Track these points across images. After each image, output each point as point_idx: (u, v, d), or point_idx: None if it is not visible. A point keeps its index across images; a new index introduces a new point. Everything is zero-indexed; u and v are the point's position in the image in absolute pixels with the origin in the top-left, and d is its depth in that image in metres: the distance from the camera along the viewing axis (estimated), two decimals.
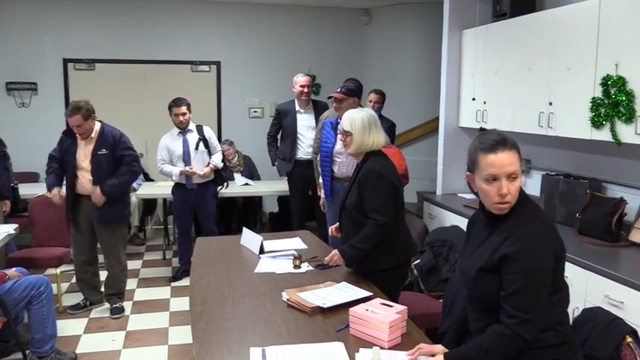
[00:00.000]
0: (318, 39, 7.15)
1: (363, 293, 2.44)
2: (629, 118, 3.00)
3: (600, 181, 3.61)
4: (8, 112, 6.44)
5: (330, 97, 4.16)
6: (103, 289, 4.41)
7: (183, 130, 4.87)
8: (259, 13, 6.98)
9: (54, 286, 3.80)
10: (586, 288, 2.83)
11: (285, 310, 2.34)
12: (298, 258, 2.95)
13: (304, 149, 5.01)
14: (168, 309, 4.41)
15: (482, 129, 1.85)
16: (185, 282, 4.81)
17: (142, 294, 4.74)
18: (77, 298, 4.43)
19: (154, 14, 6.72)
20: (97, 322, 4.14)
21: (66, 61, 6.59)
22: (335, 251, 2.83)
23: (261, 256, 3.14)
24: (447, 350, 1.85)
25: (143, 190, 5.74)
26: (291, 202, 5.27)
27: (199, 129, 4.96)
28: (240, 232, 3.50)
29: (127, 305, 4.41)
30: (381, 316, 2.05)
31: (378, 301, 2.24)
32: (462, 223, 3.95)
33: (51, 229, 4.60)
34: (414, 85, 6.79)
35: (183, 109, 4.78)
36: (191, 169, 4.83)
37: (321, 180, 4.26)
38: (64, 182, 4.17)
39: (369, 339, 2.03)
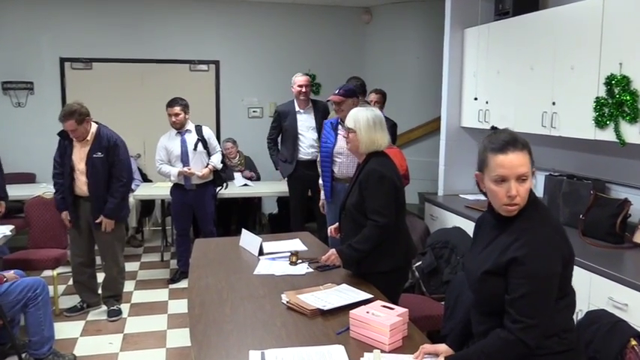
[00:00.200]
0: (318, 38, 7.12)
1: (364, 295, 2.42)
2: (634, 118, 2.98)
3: (604, 182, 3.59)
4: (4, 111, 6.39)
5: (329, 101, 4.13)
6: (100, 292, 4.38)
7: (180, 130, 4.83)
8: (258, 11, 6.94)
9: (50, 288, 3.77)
10: (590, 290, 2.81)
11: (284, 313, 2.32)
12: (295, 255, 2.95)
13: (304, 149, 4.98)
14: (167, 311, 4.38)
15: (493, 127, 1.80)
16: (183, 284, 4.78)
17: (140, 296, 4.71)
18: (74, 300, 4.40)
19: (152, 13, 6.68)
20: (94, 325, 4.11)
21: (63, 61, 6.54)
22: (332, 250, 2.82)
23: (260, 257, 3.13)
24: (450, 350, 1.84)
25: (141, 190, 5.71)
26: (290, 203, 5.23)
27: (198, 129, 4.93)
28: (239, 233, 3.48)
29: (125, 308, 4.38)
30: (381, 318, 2.04)
31: (378, 303, 2.22)
32: (464, 224, 3.96)
33: (47, 231, 4.56)
34: (416, 85, 6.76)
35: (176, 109, 4.75)
36: (189, 169, 4.79)
37: (321, 181, 4.23)
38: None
39: (370, 342, 2.02)
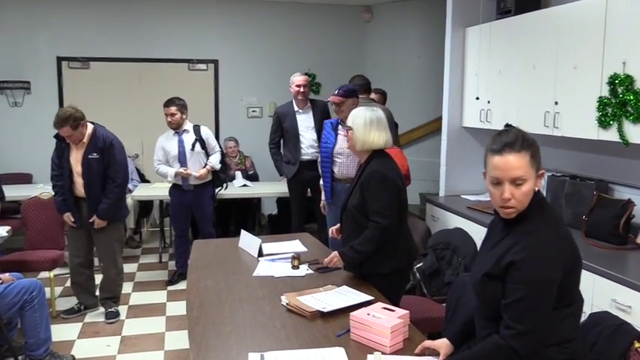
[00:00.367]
0: (318, 37, 7.09)
1: (364, 297, 2.41)
2: (637, 118, 2.96)
3: (607, 183, 3.58)
4: (0, 111, 6.36)
5: (329, 101, 4.10)
6: (97, 293, 4.35)
7: (177, 130, 4.80)
8: (258, 10, 6.91)
9: (47, 289, 3.76)
10: (593, 292, 2.79)
11: (284, 315, 2.31)
12: (297, 258, 2.94)
13: (304, 150, 4.95)
14: (165, 313, 4.36)
15: (507, 125, 1.76)
16: (182, 286, 4.75)
17: (138, 298, 4.68)
18: (71, 302, 4.36)
19: (150, 11, 6.65)
20: (91, 327, 4.08)
21: (60, 60, 6.50)
22: (335, 253, 2.81)
23: (259, 259, 3.12)
24: (450, 345, 1.86)
25: (139, 191, 5.68)
26: (291, 204, 5.20)
27: (196, 129, 4.89)
28: (238, 234, 3.47)
29: (123, 309, 4.36)
30: (382, 320, 2.03)
31: (379, 305, 2.21)
32: (466, 225, 3.95)
33: (44, 232, 4.53)
34: (417, 84, 6.74)
35: (172, 109, 4.71)
36: (185, 170, 4.76)
37: (321, 182, 4.21)
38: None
39: (371, 344, 2.01)
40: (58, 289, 4.70)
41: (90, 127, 4.03)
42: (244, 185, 5.84)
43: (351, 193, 2.82)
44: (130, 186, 5.36)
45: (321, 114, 4.95)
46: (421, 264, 3.60)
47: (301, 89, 4.90)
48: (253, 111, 7.08)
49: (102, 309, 4.27)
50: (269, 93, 6.91)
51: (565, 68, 3.47)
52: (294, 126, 4.95)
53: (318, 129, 4.72)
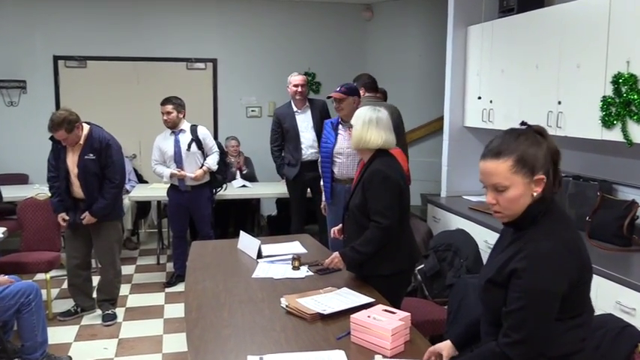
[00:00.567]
0: (318, 36, 7.06)
1: (365, 299, 2.40)
2: None
3: (611, 183, 3.56)
4: None
5: (329, 97, 4.06)
6: (94, 295, 4.33)
7: (174, 130, 4.76)
8: (257, 8, 6.88)
9: (43, 291, 3.74)
10: (597, 294, 2.76)
11: (283, 317, 2.30)
12: (297, 259, 2.92)
13: (304, 150, 4.93)
14: (163, 316, 4.34)
15: (523, 123, 1.72)
16: (180, 288, 4.72)
17: (135, 300, 4.65)
18: (68, 304, 4.33)
19: (148, 10, 6.61)
20: (88, 330, 4.06)
21: (56, 59, 6.45)
22: (335, 254, 2.79)
23: (259, 260, 3.10)
24: (452, 347, 1.86)
25: (136, 192, 5.65)
26: (291, 205, 5.17)
27: (193, 129, 4.84)
28: (237, 235, 3.46)
29: (120, 312, 4.33)
30: (383, 323, 2.02)
31: (380, 307, 2.21)
32: (468, 226, 3.93)
33: (41, 233, 4.50)
34: (418, 84, 6.71)
35: (168, 107, 4.68)
36: (179, 171, 4.72)
37: (322, 182, 4.18)
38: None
39: (371, 347, 2.00)
40: (55, 291, 4.67)
41: (86, 128, 4.00)
42: (243, 186, 5.81)
43: (353, 193, 2.81)
44: (127, 186, 5.33)
45: (319, 113, 4.93)
46: (422, 266, 3.58)
47: (299, 89, 4.87)
48: (252, 111, 7.04)
49: (99, 311, 4.25)
50: (268, 92, 6.88)
51: (568, 67, 3.45)
52: (294, 126, 4.93)
53: (318, 128, 4.70)
